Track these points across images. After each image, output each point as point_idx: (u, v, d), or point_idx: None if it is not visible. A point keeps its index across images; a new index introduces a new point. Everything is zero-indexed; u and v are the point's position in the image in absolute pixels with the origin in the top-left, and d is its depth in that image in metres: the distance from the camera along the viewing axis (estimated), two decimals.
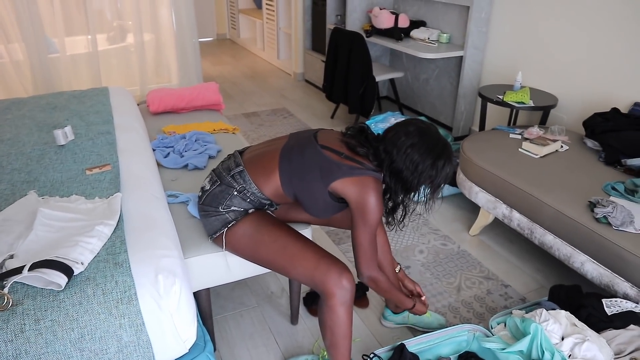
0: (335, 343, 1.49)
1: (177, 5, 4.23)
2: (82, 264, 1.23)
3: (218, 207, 1.53)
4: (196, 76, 4.52)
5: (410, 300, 1.73)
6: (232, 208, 1.52)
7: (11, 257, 1.27)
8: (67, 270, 1.19)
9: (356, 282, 2.10)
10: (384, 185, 1.49)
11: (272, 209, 1.65)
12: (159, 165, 2.12)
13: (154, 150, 2.21)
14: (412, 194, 1.50)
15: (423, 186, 1.48)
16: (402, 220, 1.60)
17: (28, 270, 1.17)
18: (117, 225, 1.42)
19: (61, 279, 1.16)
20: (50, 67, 3.96)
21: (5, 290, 1.16)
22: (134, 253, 1.31)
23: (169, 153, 2.19)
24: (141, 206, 1.55)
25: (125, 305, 1.20)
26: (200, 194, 1.61)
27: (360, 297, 2.07)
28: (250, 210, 1.56)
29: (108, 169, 1.77)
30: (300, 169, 1.48)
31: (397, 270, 1.88)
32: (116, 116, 2.32)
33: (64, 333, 1.15)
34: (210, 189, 1.56)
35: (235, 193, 1.52)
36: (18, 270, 1.18)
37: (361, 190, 1.42)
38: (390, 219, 1.61)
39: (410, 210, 1.58)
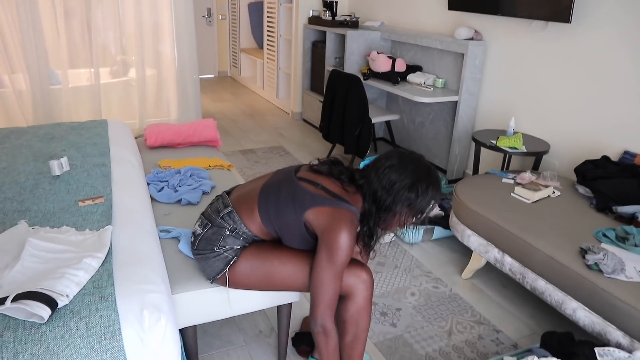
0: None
1: (180, 43, 4.33)
2: (67, 296, 1.22)
3: (213, 248, 1.51)
4: (195, 112, 4.58)
5: None
6: (228, 247, 1.51)
7: None
8: (50, 302, 1.17)
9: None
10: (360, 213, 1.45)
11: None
12: (152, 199, 2.12)
13: (148, 184, 2.22)
14: (387, 215, 1.42)
15: (404, 213, 1.41)
16: (372, 246, 1.51)
17: (11, 302, 1.15)
18: (106, 258, 1.41)
19: (44, 311, 1.15)
20: (52, 98, 4.01)
21: None
22: (121, 287, 1.30)
23: (163, 187, 2.19)
24: (131, 240, 1.55)
25: (108, 341, 1.18)
26: (193, 239, 1.59)
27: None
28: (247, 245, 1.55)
29: (101, 201, 1.78)
30: (276, 204, 1.47)
31: None
32: (113, 149, 2.34)
33: None
34: (202, 232, 1.54)
35: (228, 233, 1.50)
36: (1, 302, 1.17)
37: (332, 223, 1.36)
38: (363, 246, 1.52)
39: (381, 236, 1.49)
